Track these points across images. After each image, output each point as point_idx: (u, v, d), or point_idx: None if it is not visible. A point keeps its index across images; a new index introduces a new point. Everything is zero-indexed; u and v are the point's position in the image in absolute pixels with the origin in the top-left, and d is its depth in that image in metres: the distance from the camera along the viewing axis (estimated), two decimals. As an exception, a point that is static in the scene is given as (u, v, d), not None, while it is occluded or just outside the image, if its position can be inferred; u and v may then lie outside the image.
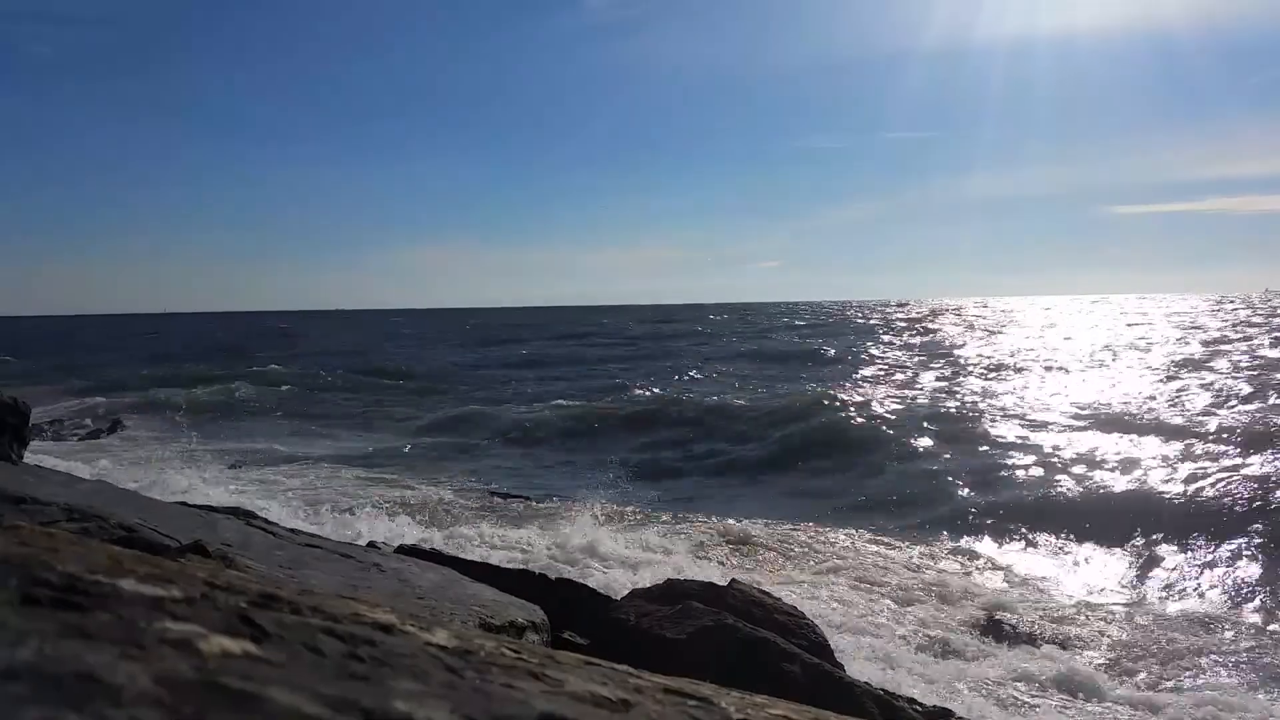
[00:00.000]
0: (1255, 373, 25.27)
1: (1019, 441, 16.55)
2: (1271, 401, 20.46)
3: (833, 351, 38.49)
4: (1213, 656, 7.96)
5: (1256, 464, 13.94)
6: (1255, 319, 58.28)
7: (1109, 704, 6.90)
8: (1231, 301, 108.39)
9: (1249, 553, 10.58)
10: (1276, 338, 39.30)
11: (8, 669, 0.74)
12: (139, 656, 0.81)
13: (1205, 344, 37.49)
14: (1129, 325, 55.54)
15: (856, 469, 15.17)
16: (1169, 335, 44.44)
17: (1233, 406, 20.26)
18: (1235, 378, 24.62)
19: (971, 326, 60.89)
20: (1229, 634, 8.52)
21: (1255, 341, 37.49)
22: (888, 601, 9.21)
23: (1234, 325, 51.41)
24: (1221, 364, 28.44)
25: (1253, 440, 15.38)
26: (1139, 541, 11.19)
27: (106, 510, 4.80)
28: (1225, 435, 15.90)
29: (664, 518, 12.65)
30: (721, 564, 10.28)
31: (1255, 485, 12.79)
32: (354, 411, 24.28)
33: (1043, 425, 18.17)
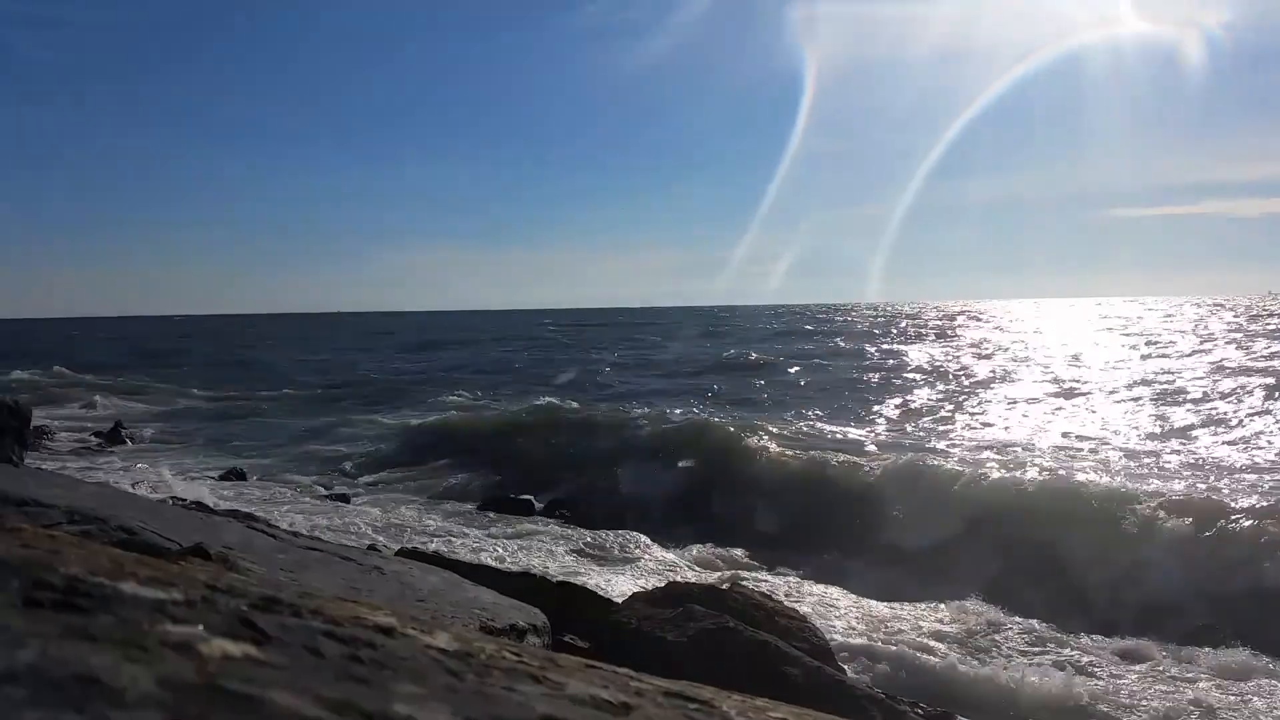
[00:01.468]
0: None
1: (952, 447, 16.77)
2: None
3: (769, 359, 37.89)
4: (1210, 656, 7.95)
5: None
6: (1224, 320, 59.72)
7: (1110, 706, 6.89)
8: (1215, 304, 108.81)
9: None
10: (1237, 341, 39.98)
11: (9, 671, 0.74)
12: (141, 659, 0.81)
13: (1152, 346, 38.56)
14: (1099, 330, 55.75)
15: (783, 490, 14.55)
16: (1123, 340, 45.30)
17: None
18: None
19: (941, 332, 60.42)
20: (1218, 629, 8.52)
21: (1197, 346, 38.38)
22: (882, 606, 9.22)
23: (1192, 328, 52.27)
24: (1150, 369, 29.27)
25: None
26: (1106, 542, 11.19)
27: (108, 513, 4.80)
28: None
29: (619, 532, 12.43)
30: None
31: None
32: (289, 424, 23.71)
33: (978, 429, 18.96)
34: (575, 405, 21.09)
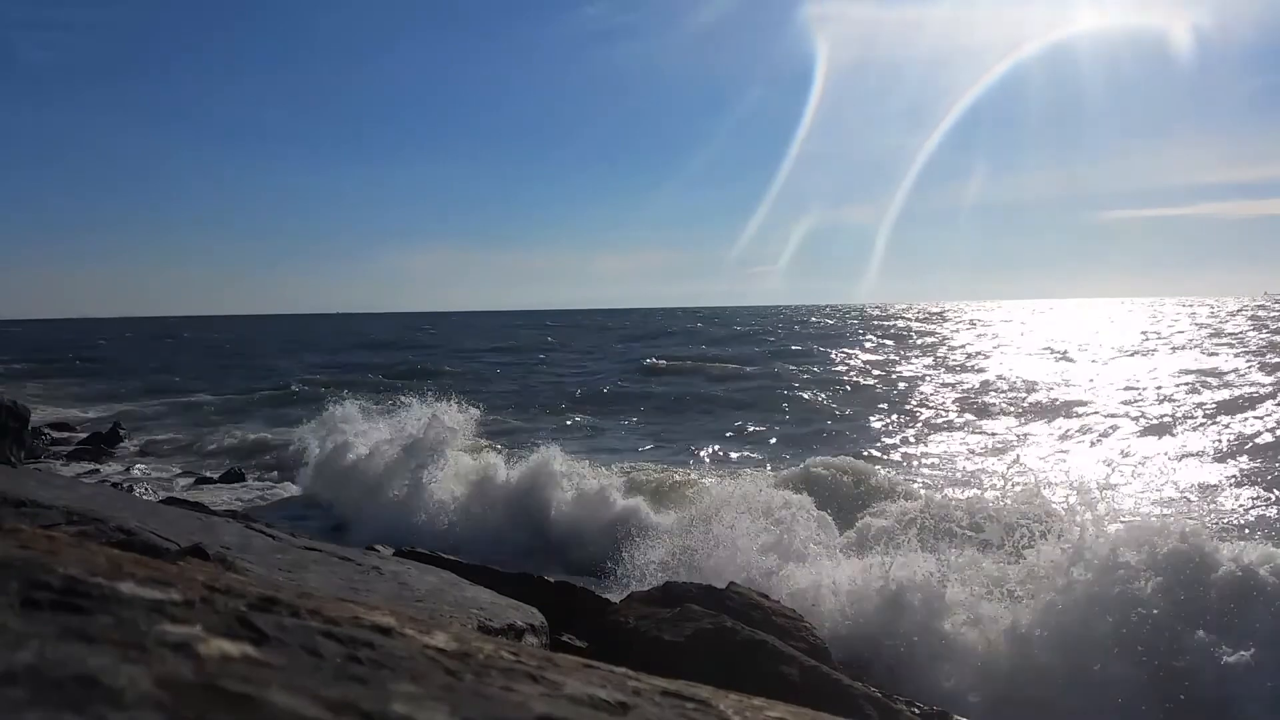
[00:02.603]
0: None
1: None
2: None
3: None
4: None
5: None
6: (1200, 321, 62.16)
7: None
8: (1203, 305, 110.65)
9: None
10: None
11: (7, 672, 0.74)
12: (139, 659, 0.82)
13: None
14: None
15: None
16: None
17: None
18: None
19: (902, 335, 61.46)
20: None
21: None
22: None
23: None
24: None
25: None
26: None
27: (106, 513, 4.79)
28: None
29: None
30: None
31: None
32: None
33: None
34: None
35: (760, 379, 32.33)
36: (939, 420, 21.89)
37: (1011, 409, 23.06)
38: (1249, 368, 30.20)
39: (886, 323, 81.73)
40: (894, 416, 22.69)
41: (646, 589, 7.20)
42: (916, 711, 5.56)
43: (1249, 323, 61.38)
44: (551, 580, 7.00)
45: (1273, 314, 75.30)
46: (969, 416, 22.22)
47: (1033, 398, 25.07)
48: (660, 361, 39.44)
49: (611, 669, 1.37)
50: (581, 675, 1.23)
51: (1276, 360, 31.95)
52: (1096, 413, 22.13)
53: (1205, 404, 22.46)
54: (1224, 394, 23.83)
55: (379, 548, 8.34)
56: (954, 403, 24.46)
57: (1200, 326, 58.13)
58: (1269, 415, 20.16)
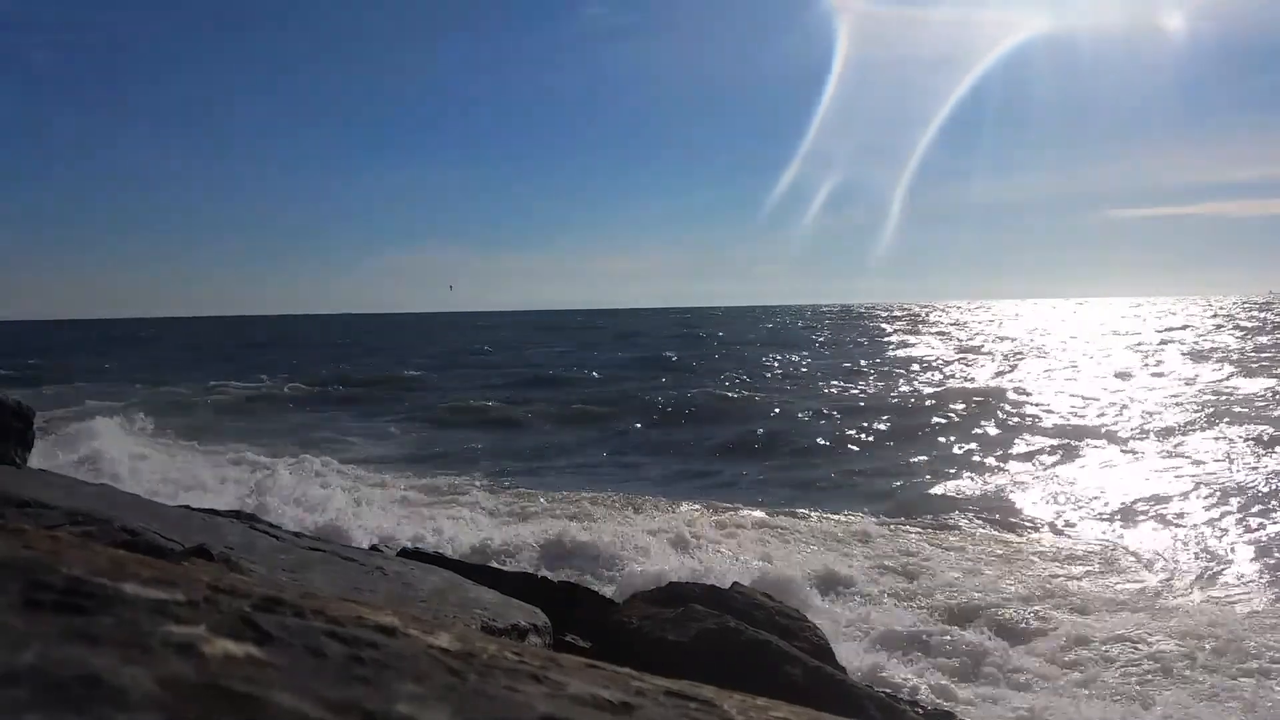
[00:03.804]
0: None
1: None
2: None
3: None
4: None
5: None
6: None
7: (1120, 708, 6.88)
8: (1187, 305, 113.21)
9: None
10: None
11: (10, 672, 0.74)
12: (142, 659, 0.81)
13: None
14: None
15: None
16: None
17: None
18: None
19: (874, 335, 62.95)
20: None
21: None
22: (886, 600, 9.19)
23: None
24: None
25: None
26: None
27: (110, 514, 4.80)
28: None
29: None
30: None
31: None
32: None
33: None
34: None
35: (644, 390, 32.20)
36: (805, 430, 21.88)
37: (914, 421, 22.76)
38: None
39: (863, 323, 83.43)
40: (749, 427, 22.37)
41: (650, 589, 7.19)
42: (920, 712, 5.55)
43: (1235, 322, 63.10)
44: (555, 580, 7.00)
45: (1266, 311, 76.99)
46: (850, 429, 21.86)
47: (956, 399, 25.22)
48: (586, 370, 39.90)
49: (615, 669, 1.37)
50: (585, 675, 1.23)
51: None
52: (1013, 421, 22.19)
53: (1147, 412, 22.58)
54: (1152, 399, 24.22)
55: (382, 548, 8.34)
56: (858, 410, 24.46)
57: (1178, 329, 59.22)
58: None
